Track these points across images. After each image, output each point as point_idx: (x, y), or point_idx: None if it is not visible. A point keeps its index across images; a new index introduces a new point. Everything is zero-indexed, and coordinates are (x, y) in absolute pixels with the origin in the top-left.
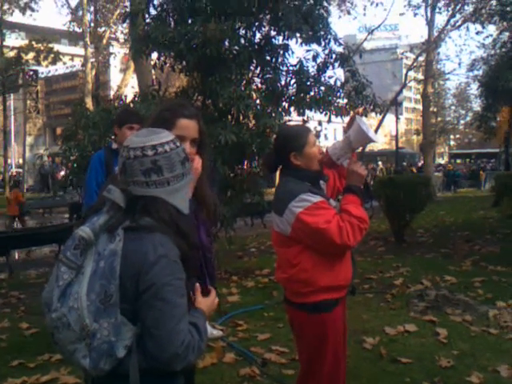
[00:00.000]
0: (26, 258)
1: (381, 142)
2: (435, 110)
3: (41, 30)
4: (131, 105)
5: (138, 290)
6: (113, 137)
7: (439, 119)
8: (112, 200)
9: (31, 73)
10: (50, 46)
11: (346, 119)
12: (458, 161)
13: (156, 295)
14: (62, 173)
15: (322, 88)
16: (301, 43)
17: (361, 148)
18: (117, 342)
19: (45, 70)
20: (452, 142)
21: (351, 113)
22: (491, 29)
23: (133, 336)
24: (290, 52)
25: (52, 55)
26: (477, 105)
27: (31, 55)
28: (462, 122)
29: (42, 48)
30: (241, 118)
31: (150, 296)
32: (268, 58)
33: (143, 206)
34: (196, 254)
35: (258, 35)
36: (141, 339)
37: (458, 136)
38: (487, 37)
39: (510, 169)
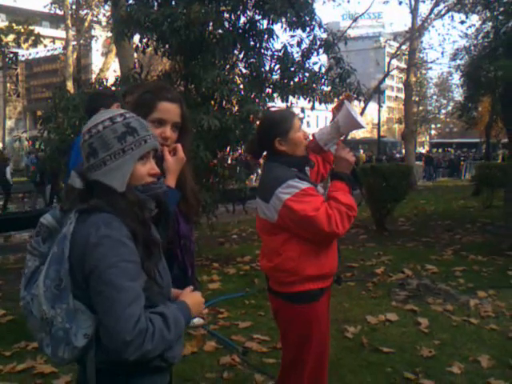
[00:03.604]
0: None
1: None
2: (417, 99)
3: (21, 12)
4: (113, 88)
5: (85, 274)
6: None
7: (421, 108)
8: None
9: (11, 55)
10: (31, 28)
11: (330, 106)
12: (440, 150)
13: (100, 279)
14: None
15: (307, 74)
16: (285, 28)
17: (343, 136)
18: (72, 329)
19: (25, 52)
20: (433, 132)
21: (335, 100)
22: (474, 18)
23: (93, 324)
24: (274, 37)
25: (33, 37)
26: (458, 94)
27: (11, 37)
28: (443, 111)
29: (22, 30)
30: (224, 103)
31: (95, 280)
32: (252, 42)
33: (92, 190)
34: (147, 232)
35: (242, 19)
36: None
37: (439, 125)
38: (470, 26)
39: (490, 159)
